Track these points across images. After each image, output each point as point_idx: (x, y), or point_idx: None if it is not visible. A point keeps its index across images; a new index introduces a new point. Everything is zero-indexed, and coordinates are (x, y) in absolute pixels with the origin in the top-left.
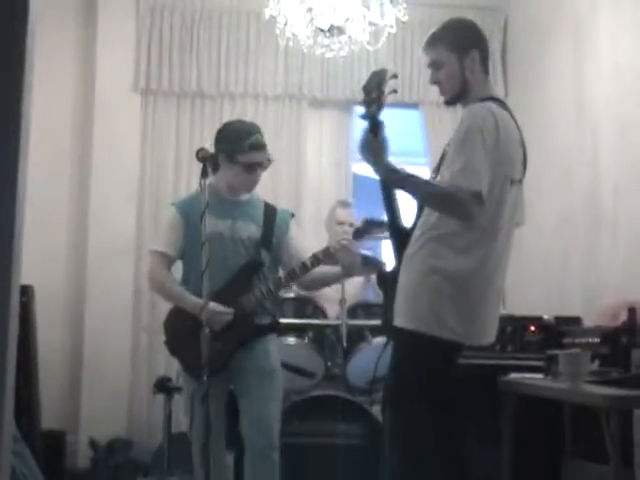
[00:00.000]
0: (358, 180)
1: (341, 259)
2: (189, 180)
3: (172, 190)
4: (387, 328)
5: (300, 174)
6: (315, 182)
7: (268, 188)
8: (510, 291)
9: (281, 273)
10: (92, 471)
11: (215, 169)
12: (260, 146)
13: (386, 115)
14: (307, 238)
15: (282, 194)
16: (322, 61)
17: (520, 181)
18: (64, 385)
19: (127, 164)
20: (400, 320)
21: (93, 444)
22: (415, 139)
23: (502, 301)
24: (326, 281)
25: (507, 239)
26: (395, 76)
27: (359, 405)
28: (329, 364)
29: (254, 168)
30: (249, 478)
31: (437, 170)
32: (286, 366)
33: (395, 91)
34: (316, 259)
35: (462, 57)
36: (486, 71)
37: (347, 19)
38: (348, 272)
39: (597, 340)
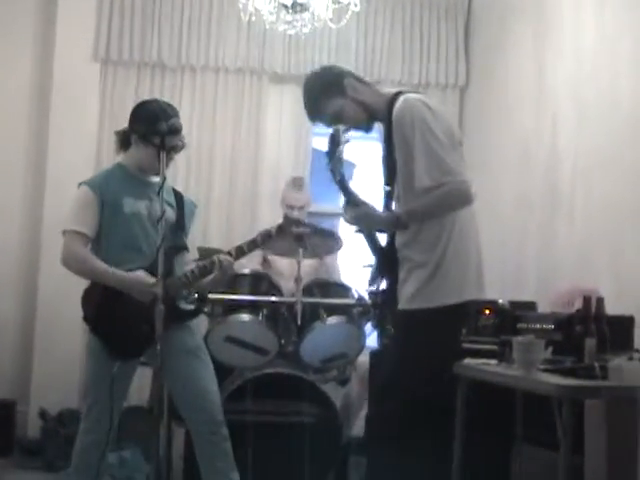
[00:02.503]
0: (317, 155)
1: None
2: None
3: None
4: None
5: (259, 148)
6: (274, 157)
7: (227, 162)
8: None
9: (216, 257)
10: (42, 441)
11: (125, 147)
12: (177, 130)
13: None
14: (264, 212)
15: (240, 168)
16: (284, 37)
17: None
18: (15, 354)
19: (85, 134)
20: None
21: (43, 414)
22: None
23: None
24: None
25: None
26: (347, 129)
27: (312, 383)
28: (283, 341)
29: (168, 152)
30: (203, 461)
31: (391, 181)
32: (239, 342)
33: (348, 141)
34: (240, 251)
35: (344, 93)
36: (367, 83)
37: None
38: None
39: (551, 326)
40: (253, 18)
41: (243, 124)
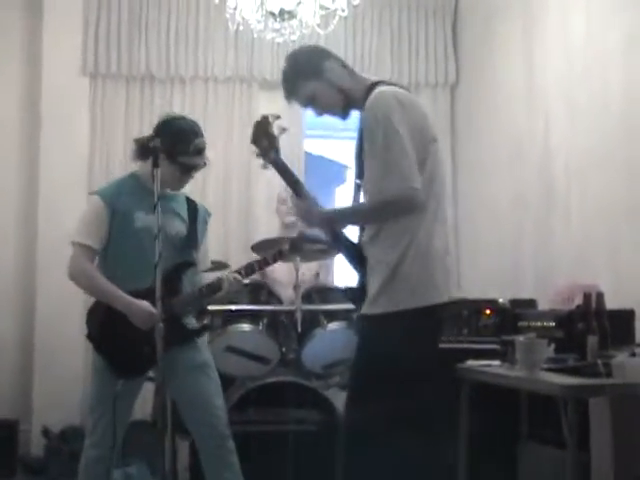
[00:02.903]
0: (310, 159)
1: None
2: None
3: (122, 174)
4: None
5: (252, 157)
6: None
7: (220, 170)
8: (464, 274)
9: (225, 276)
10: (45, 459)
11: (144, 157)
12: (203, 150)
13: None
14: (259, 221)
15: (234, 177)
16: (273, 43)
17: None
18: (16, 374)
19: (76, 148)
20: (387, 305)
21: (46, 432)
22: None
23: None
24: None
25: (443, 194)
26: (278, 117)
27: (314, 390)
28: (284, 349)
29: (191, 171)
30: (211, 474)
31: (362, 174)
32: (241, 352)
33: (285, 129)
34: (252, 269)
35: (321, 76)
36: (350, 69)
37: (298, 3)
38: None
39: (552, 324)
40: (241, 27)
41: (235, 132)
